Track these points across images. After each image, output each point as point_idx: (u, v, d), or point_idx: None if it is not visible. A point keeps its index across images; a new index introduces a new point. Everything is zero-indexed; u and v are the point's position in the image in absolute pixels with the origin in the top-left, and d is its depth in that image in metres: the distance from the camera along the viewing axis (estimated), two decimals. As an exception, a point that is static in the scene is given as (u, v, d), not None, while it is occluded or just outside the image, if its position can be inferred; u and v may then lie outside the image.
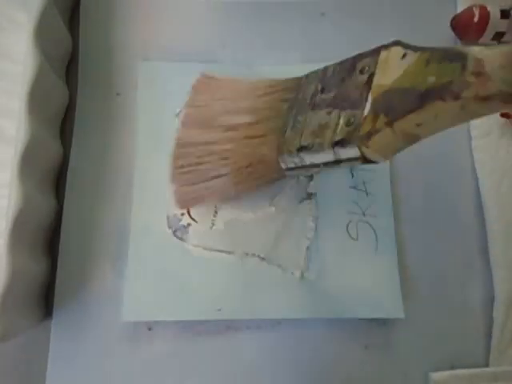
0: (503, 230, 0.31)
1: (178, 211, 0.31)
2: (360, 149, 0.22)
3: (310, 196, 0.31)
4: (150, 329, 0.30)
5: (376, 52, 0.24)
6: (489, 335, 0.30)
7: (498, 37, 0.33)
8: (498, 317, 0.30)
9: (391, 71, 0.23)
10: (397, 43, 0.23)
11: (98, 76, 0.34)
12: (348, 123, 0.23)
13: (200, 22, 0.35)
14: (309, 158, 0.25)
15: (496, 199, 0.31)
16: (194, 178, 0.29)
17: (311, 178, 0.31)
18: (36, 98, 0.27)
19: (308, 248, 0.30)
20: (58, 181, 0.32)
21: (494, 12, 0.33)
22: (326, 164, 0.25)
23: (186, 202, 0.31)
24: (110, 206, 0.31)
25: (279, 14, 0.35)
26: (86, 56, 0.34)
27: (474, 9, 0.33)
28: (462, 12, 0.34)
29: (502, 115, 0.32)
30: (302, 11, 0.35)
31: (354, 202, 0.31)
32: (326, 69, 0.27)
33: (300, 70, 0.33)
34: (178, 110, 0.32)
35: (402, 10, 0.35)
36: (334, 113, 0.24)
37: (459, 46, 0.30)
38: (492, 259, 0.31)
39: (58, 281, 0.30)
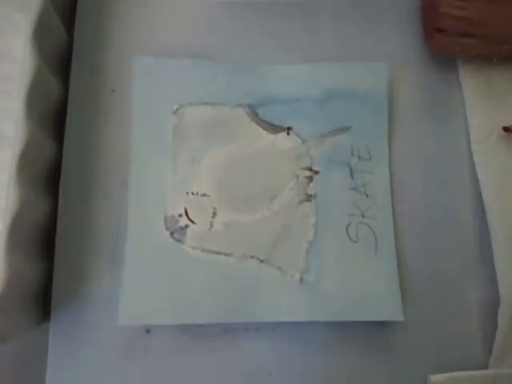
0: (507, 234, 0.31)
1: (176, 212, 0.30)
2: None
3: (309, 197, 0.31)
4: (148, 331, 0.30)
5: None
6: (488, 337, 0.30)
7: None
8: (503, 322, 0.30)
9: None
10: None
11: (92, 71, 0.33)
12: None
13: (198, 18, 0.35)
14: None
15: (498, 203, 0.31)
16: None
17: (311, 179, 0.31)
18: (34, 100, 0.27)
19: (307, 250, 0.30)
20: (56, 181, 0.32)
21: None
22: None
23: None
24: (105, 207, 0.31)
25: (279, 14, 0.35)
26: (79, 50, 0.33)
27: None
28: None
29: (505, 130, 0.32)
30: (302, 11, 0.35)
31: (354, 204, 0.31)
32: None
33: (300, 69, 0.33)
34: (175, 108, 0.32)
35: (403, 10, 0.35)
36: None
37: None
38: (496, 263, 0.30)
39: (55, 283, 0.30)
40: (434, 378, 0.29)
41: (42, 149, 0.29)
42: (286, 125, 0.32)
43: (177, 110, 0.32)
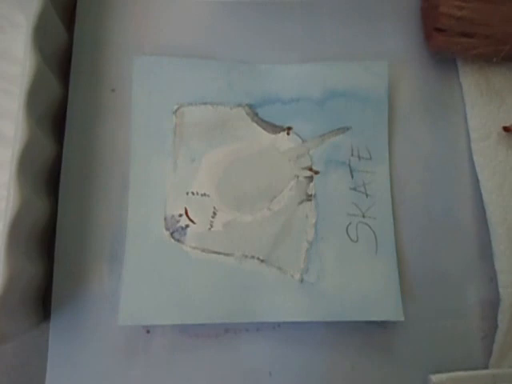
0: (507, 233, 0.31)
1: (176, 212, 0.30)
2: None
3: (309, 197, 0.31)
4: (148, 331, 0.30)
5: None
6: (488, 337, 0.30)
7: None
8: (503, 321, 0.30)
9: None
10: None
11: (92, 71, 0.33)
12: None
13: (198, 18, 0.35)
14: None
15: (498, 202, 0.31)
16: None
17: (311, 179, 0.31)
18: (34, 99, 0.27)
19: (307, 250, 0.30)
20: (56, 181, 0.32)
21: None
22: None
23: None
24: (105, 207, 0.31)
25: (279, 14, 0.35)
26: (79, 50, 0.33)
27: None
28: None
29: (505, 129, 0.32)
30: (302, 11, 0.35)
31: (354, 204, 0.31)
32: None
33: (300, 69, 0.33)
34: (175, 107, 0.32)
35: (403, 10, 0.35)
36: None
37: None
38: (496, 263, 0.31)
39: (54, 283, 0.30)
40: (434, 377, 0.29)
41: (42, 149, 0.29)
42: (286, 125, 0.32)
43: (177, 109, 0.32)
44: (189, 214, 0.31)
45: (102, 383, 0.29)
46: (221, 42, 0.34)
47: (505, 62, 0.33)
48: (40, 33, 0.28)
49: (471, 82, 0.33)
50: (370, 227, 0.31)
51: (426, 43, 0.34)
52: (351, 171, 0.31)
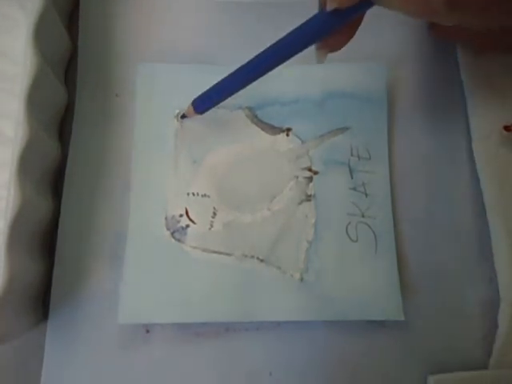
0: (507, 233, 0.30)
1: (177, 212, 0.31)
2: None
3: (309, 197, 0.31)
4: (147, 331, 0.30)
5: None
6: (488, 338, 0.30)
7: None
8: (504, 321, 0.30)
9: None
10: None
11: (97, 77, 0.34)
12: None
13: (199, 23, 0.35)
14: None
15: (499, 202, 0.31)
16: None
17: (310, 179, 0.31)
18: (35, 99, 0.27)
19: (307, 250, 0.30)
20: (57, 182, 0.32)
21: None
22: None
23: None
24: (107, 208, 0.31)
25: (278, 15, 0.35)
26: (85, 57, 0.34)
27: None
28: None
29: (506, 129, 0.32)
30: (301, 11, 0.35)
31: (354, 204, 0.31)
32: None
33: (299, 70, 0.33)
34: (176, 112, 0.32)
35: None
36: None
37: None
38: (496, 263, 0.31)
39: (54, 282, 0.30)
40: (433, 378, 0.29)
41: (44, 149, 0.29)
42: (286, 126, 0.32)
43: (178, 114, 0.32)
44: (189, 214, 0.31)
45: (102, 383, 0.29)
46: (221, 45, 0.34)
47: (506, 61, 0.33)
48: (41, 32, 0.28)
49: (472, 82, 0.33)
50: (369, 227, 0.31)
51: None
52: (351, 171, 0.32)
